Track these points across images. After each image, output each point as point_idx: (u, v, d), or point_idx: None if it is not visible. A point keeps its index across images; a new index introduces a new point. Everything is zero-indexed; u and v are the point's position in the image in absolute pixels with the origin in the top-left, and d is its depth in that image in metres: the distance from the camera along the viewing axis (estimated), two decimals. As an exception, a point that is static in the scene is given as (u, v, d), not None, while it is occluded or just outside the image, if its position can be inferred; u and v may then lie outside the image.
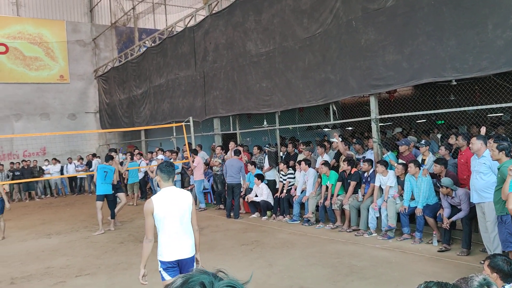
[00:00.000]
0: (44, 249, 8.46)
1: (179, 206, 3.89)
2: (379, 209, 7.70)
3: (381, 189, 7.90)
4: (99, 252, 7.86)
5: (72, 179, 18.27)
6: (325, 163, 8.92)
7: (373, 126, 8.39)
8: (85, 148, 20.10)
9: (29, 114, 19.56)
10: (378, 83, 7.95)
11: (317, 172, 9.27)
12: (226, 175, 10.47)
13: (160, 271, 3.93)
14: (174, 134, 14.45)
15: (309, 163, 9.37)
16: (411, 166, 7.24)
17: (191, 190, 12.61)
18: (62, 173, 17.61)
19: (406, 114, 8.32)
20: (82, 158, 18.21)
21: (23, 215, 13.11)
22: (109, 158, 9.97)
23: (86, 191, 18.16)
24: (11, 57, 19.26)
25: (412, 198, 7.38)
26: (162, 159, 11.09)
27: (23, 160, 17.48)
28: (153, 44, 16.08)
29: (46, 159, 18.18)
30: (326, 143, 10.17)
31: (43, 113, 19.90)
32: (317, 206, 9.01)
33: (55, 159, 18.00)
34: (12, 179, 16.07)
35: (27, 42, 19.63)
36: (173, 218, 3.86)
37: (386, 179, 7.73)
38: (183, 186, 13.51)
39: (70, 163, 17.96)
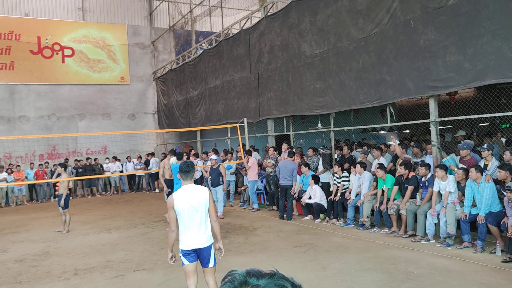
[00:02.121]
0: (105, 243, 8.88)
1: (196, 201, 4.39)
2: (438, 215, 7.44)
3: (440, 194, 7.63)
4: (155, 248, 8.13)
5: (130, 177, 19.03)
6: (381, 166, 8.74)
7: (432, 129, 8.11)
8: (143, 148, 20.86)
9: (92, 114, 20.57)
10: (438, 84, 7.68)
11: (373, 175, 9.10)
12: (279, 176, 10.51)
13: (180, 256, 4.50)
14: (229, 135, 14.66)
15: (364, 166, 9.22)
16: (473, 171, 6.94)
17: (244, 191, 12.78)
18: (121, 171, 18.38)
19: (468, 117, 7.95)
20: (140, 157, 18.94)
21: (85, 210, 13.82)
22: (181, 156, 10.31)
23: (143, 189, 18.87)
24: (76, 60, 20.36)
25: (474, 205, 7.07)
26: (215, 159, 11.29)
27: (87, 158, 18.46)
28: (209, 47, 16.40)
29: (107, 157, 19.06)
30: (382, 146, 9.94)
31: (104, 113, 20.85)
32: (372, 210, 8.84)
33: (115, 157, 18.82)
34: (76, 176, 17.02)
35: (91, 45, 20.66)
36: (190, 211, 4.38)
37: (445, 184, 7.45)
38: (236, 187, 13.70)
39: (129, 161, 18.72)
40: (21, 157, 18.58)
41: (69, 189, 17.17)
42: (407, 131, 14.68)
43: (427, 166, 8.07)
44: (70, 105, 20.06)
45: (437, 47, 7.56)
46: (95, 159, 18.53)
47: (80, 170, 17.45)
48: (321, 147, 10.82)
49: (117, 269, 6.91)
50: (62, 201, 10.13)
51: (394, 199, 8.38)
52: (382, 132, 14.94)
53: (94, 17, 21.07)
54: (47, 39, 19.73)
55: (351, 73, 9.58)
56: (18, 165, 17.16)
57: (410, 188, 8.14)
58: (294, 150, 11.24)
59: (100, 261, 7.44)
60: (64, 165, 10.80)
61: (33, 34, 19.43)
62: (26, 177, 16.66)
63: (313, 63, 10.74)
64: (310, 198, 10.08)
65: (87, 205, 15.30)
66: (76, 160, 18.43)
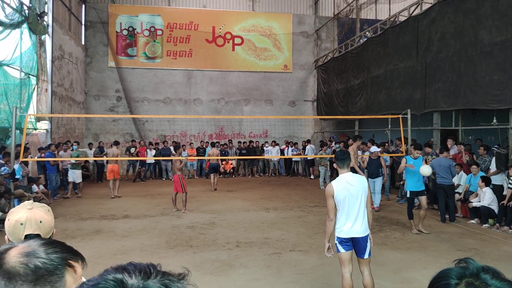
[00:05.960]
0: (263, 221, 9.47)
1: (355, 189, 4.40)
2: None
3: None
4: (311, 232, 8.38)
5: (288, 162, 19.81)
6: None
7: None
8: (301, 134, 21.50)
9: (256, 100, 21.89)
10: None
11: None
12: (435, 175, 9.85)
13: (336, 243, 4.55)
14: (389, 126, 14.17)
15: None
16: None
17: (402, 185, 12.27)
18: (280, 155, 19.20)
19: None
20: (296, 143, 19.57)
21: (246, 189, 14.86)
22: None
23: (299, 174, 19.46)
24: (245, 48, 21.81)
25: None
26: (378, 151, 11.04)
27: (250, 141, 19.78)
28: (373, 35, 15.99)
29: (266, 141, 20.12)
30: None
31: (267, 99, 21.99)
32: (555, 222, 7.74)
33: (274, 141, 19.75)
34: (239, 156, 18.44)
35: (258, 34, 21.88)
36: (349, 200, 4.40)
37: None
38: (394, 181, 13.23)
39: (291, 146, 19.45)
40: (193, 135, 20.77)
41: (232, 168, 18.86)
42: None
43: None
44: (237, 91, 21.67)
45: None
46: (256, 142, 19.72)
47: (243, 152, 18.79)
48: (495, 146, 9.78)
49: (274, 246, 7.32)
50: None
51: None
52: None
53: (262, 7, 22.23)
54: (220, 29, 21.52)
55: (540, 64, 8.43)
56: (191, 143, 19.20)
57: None
58: (449, 146, 10.42)
59: (259, 237, 7.97)
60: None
61: (209, 24, 21.38)
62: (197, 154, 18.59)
63: (491, 52, 9.73)
64: (478, 201, 9.24)
65: (248, 184, 16.42)
66: (239, 142, 19.90)
